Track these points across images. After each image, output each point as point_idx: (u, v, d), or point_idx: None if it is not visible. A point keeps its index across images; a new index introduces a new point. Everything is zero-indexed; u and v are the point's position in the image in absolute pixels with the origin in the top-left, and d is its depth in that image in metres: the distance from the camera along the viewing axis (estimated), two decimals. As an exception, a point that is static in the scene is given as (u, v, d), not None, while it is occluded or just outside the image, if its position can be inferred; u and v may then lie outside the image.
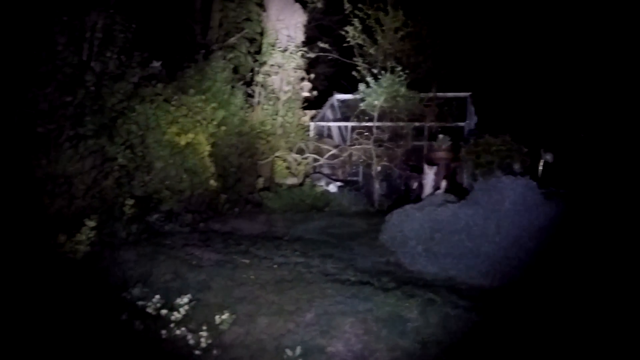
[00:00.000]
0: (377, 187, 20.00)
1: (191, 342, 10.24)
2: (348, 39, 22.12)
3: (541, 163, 19.15)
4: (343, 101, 24.46)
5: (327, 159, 22.00)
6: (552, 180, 17.39)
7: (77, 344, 10.30)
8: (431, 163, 18.75)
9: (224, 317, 10.69)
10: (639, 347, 9.58)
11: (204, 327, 10.42)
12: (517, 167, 17.82)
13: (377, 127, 20.60)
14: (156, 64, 16.23)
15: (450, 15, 22.88)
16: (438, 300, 11.35)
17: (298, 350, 9.98)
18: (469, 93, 22.88)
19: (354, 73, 21.92)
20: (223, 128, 17.97)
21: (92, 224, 12.14)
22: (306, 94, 23.41)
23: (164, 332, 10.45)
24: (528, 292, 11.54)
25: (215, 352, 10.16)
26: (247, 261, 13.01)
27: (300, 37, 23.17)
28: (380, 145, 20.38)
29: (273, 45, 22.59)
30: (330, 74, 26.00)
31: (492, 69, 24.04)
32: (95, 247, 12.56)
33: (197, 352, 10.13)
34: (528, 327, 10.26)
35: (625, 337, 9.79)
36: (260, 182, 20.54)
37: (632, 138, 18.19)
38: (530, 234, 13.09)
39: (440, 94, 21.83)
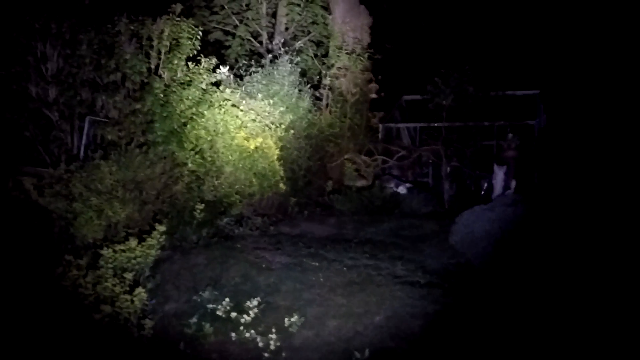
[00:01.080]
0: (447, 187, 19.79)
1: (260, 344, 10.31)
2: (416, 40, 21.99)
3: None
4: (412, 102, 24.29)
5: (396, 160, 21.88)
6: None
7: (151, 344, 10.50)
8: (501, 162, 18.49)
9: (293, 319, 10.74)
10: None
11: (273, 330, 10.47)
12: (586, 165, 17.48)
13: (446, 128, 20.40)
14: (224, 70, 16.31)
15: (521, 12, 22.63)
16: (507, 302, 11.21)
17: (367, 352, 9.96)
18: (538, 91, 22.48)
19: (422, 73, 21.75)
20: (291, 131, 17.99)
21: (162, 228, 12.28)
22: (374, 96, 23.31)
23: (233, 334, 10.55)
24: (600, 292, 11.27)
25: (284, 354, 10.20)
26: (316, 264, 13.04)
27: (366, 38, 23.10)
28: (449, 146, 20.17)
29: (340, 48, 22.57)
30: (398, 74, 25.78)
31: (562, 67, 23.61)
32: (166, 251, 12.75)
33: (266, 354, 10.19)
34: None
35: None
36: (330, 184, 20.51)
37: None
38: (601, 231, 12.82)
39: (509, 92, 21.52)
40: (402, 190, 20.10)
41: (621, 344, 9.74)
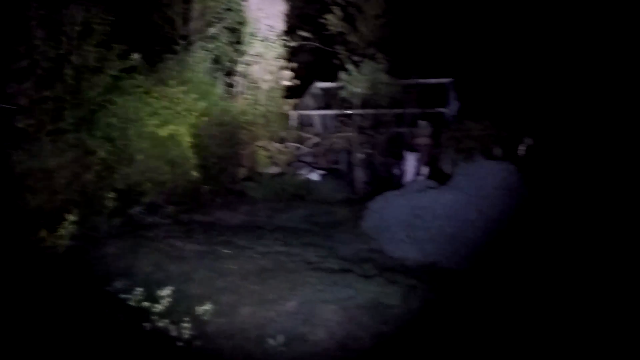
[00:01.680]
0: (360, 174, 20.05)
1: (174, 333, 10.27)
2: (329, 27, 22.00)
3: (522, 148, 19.23)
4: (324, 89, 24.45)
5: (309, 147, 22.02)
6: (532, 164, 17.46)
7: (61, 338, 10.34)
8: (412, 149, 18.84)
9: (206, 307, 10.75)
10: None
11: (187, 319, 10.44)
12: (497, 152, 17.94)
13: (359, 115, 20.63)
14: (136, 56, 16.13)
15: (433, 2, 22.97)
16: (419, 287, 11.48)
17: (280, 338, 10.07)
18: (451, 79, 22.90)
19: (335, 61, 21.88)
20: (204, 119, 17.96)
21: (73, 218, 12.14)
22: (287, 83, 23.35)
23: (146, 324, 10.48)
24: (509, 274, 11.66)
25: (198, 342, 10.20)
26: (229, 251, 13.10)
27: (280, 26, 23.10)
28: (362, 133, 20.43)
29: (254, 35, 22.54)
30: (310, 62, 25.88)
31: (474, 55, 24.02)
32: (77, 241, 12.59)
33: (180, 343, 10.17)
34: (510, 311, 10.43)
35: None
36: (243, 171, 20.53)
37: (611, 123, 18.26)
38: (510, 217, 13.25)
39: (422, 81, 21.88)
40: (314, 177, 20.29)
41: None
